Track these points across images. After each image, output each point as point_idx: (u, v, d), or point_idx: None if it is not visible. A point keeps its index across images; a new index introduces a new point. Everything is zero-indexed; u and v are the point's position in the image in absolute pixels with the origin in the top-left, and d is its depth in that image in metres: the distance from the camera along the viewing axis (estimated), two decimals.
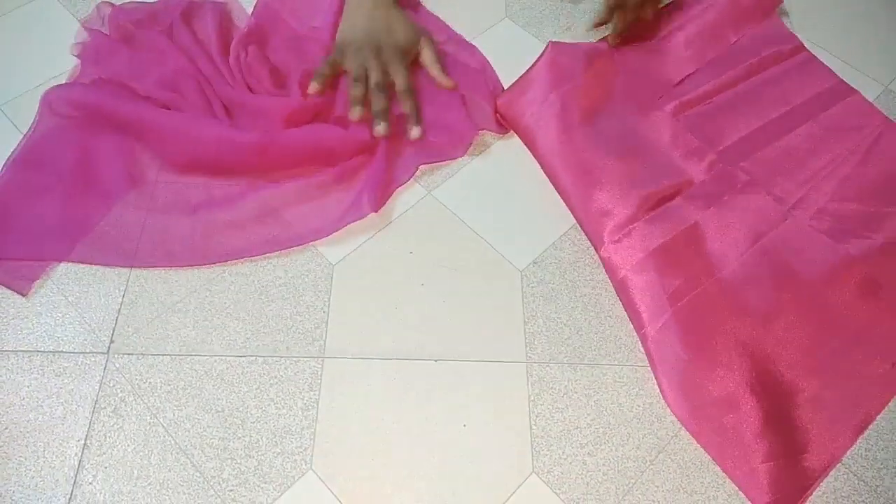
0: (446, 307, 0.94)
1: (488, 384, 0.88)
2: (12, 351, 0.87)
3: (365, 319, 0.92)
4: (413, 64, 1.10)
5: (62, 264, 0.93)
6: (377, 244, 0.98)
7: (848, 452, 0.86)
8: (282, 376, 0.87)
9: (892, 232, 0.99)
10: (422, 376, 0.88)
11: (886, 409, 0.89)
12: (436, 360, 0.89)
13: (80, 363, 0.87)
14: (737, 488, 0.83)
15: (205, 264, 0.93)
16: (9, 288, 0.91)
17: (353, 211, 0.97)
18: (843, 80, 1.15)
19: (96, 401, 0.84)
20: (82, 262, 0.93)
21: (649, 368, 0.90)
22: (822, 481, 0.83)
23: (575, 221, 1.01)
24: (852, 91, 1.14)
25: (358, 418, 0.85)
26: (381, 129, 0.99)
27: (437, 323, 0.92)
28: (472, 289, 0.95)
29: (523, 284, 0.96)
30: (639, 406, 0.88)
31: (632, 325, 0.93)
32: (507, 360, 0.90)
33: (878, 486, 0.84)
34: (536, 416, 0.86)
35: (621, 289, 0.94)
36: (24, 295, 0.91)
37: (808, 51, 1.19)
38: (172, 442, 0.82)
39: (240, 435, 0.83)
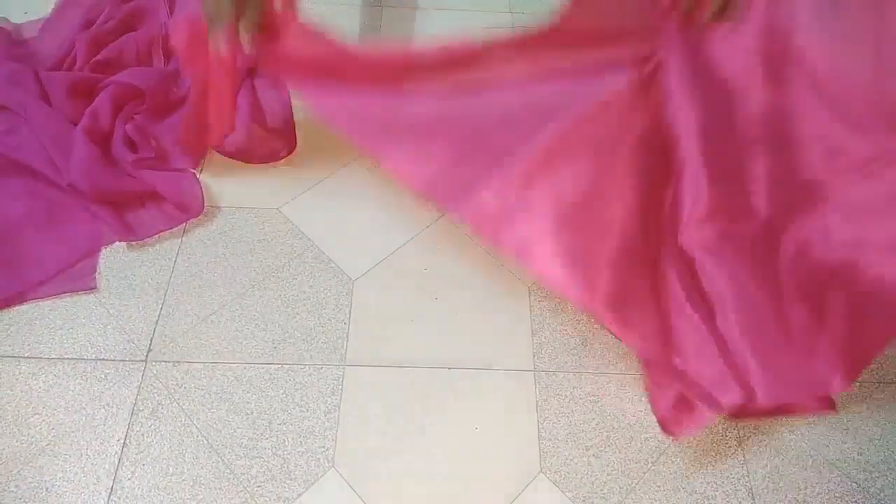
0: (459, 319, 1.00)
1: (498, 391, 0.94)
2: (59, 359, 0.95)
3: (383, 330, 0.99)
4: None
5: (104, 277, 1.02)
6: (394, 261, 1.05)
7: (841, 456, 0.90)
8: (306, 382, 0.94)
9: None
10: (436, 383, 0.94)
11: (880, 417, 0.94)
12: (449, 369, 0.96)
13: (120, 370, 0.94)
14: (735, 488, 0.87)
15: None
16: (77, 292, 1.00)
17: None
18: None
19: (135, 404, 0.91)
20: None
21: (650, 377, 0.96)
22: None
23: None
24: None
25: (376, 421, 0.91)
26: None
27: (451, 334, 0.99)
28: (482, 302, 1.02)
29: (531, 298, 1.02)
30: (640, 411, 0.93)
31: None
32: (517, 369, 0.96)
33: (869, 487, 0.88)
34: (544, 421, 0.92)
35: None
36: (93, 288, 1.00)
37: None
38: (205, 442, 0.88)
39: (267, 435, 0.89)
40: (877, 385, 0.97)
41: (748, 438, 0.91)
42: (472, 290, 1.03)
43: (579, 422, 0.92)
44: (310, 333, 0.98)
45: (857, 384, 0.96)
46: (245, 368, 0.94)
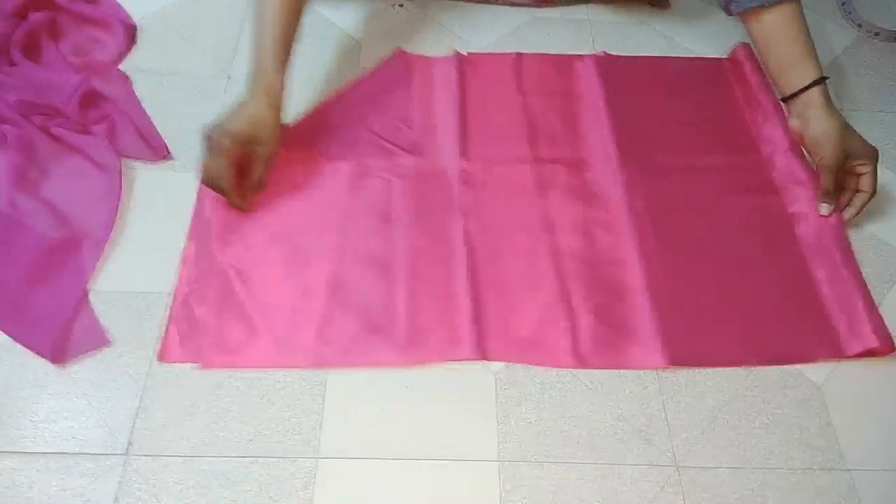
0: (429, 408, 1.05)
1: (465, 482, 0.99)
2: (41, 453, 0.98)
3: (355, 422, 1.03)
4: None
5: (84, 367, 1.05)
6: None
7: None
8: (279, 476, 0.98)
9: None
10: (406, 475, 0.99)
11: None
12: (418, 460, 1.00)
13: (101, 464, 0.98)
14: None
15: None
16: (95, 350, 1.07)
17: None
18: None
19: (115, 500, 0.95)
20: None
21: (609, 466, 1.01)
22: None
23: None
24: None
25: None
26: None
27: (421, 424, 1.03)
28: (451, 390, 1.06)
29: (497, 387, 1.07)
30: (598, 500, 0.98)
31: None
32: (482, 459, 1.01)
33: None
34: None
35: None
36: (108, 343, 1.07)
37: None
38: None
39: None
40: None
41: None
42: (441, 378, 1.07)
43: None
44: (284, 425, 1.02)
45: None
46: (221, 462, 0.98)
